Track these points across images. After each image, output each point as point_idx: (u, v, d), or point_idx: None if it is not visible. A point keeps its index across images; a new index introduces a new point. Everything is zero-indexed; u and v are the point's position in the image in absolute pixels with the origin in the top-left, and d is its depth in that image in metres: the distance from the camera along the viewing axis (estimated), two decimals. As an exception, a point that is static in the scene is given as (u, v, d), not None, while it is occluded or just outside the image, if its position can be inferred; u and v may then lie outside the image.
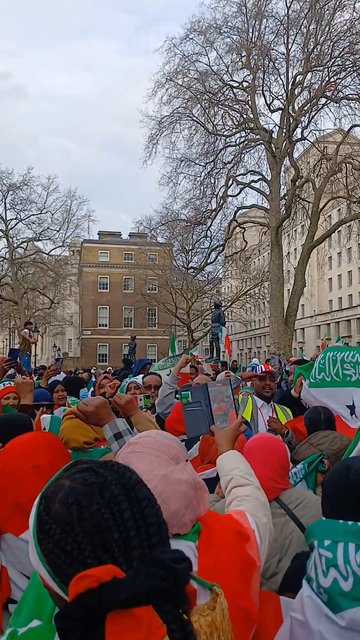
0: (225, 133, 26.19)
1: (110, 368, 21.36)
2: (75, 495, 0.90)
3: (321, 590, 1.45)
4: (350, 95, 23.37)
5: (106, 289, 64.02)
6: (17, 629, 0.91)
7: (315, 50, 22.91)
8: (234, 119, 26.11)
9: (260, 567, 1.46)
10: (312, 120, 24.39)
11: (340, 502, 1.56)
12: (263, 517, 1.60)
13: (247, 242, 29.11)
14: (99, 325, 63.49)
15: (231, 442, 2.00)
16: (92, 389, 7.49)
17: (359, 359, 4.34)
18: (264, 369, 4.88)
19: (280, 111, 24.87)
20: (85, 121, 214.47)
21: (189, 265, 31.92)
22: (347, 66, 22.66)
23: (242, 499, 1.67)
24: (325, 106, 24.31)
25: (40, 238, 41.09)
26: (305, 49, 23.19)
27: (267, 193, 24.81)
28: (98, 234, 65.13)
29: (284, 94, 24.36)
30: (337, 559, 1.42)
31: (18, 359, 5.41)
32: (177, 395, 4.71)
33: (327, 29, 22.60)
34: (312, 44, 22.98)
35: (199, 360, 9.68)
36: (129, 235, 63.20)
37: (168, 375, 7.16)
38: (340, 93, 23.52)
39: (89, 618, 0.78)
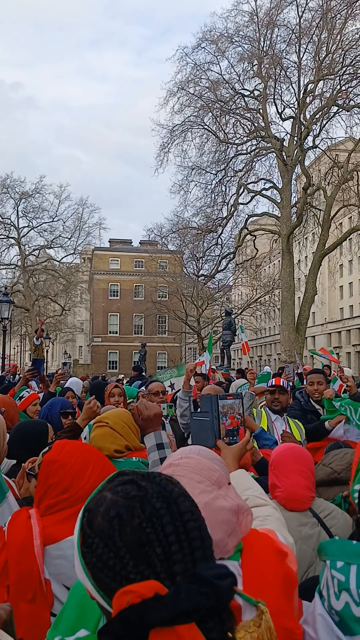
0: (237, 141, 26.26)
1: (123, 375, 21.35)
2: (117, 509, 0.88)
3: (333, 612, 1.42)
4: (362, 104, 23.37)
5: (117, 296, 64.25)
6: (65, 637, 0.91)
7: (326, 58, 22.95)
8: (245, 127, 26.18)
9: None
10: (324, 128, 24.42)
11: None
12: (289, 537, 1.60)
13: (257, 250, 29.09)
14: (110, 333, 63.68)
15: (238, 461, 1.98)
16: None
17: None
18: (274, 383, 4.88)
19: (292, 119, 24.90)
20: (96, 131, 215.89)
21: (200, 273, 31.95)
22: (358, 74, 22.66)
23: (263, 519, 1.65)
24: (337, 114, 24.29)
25: (52, 246, 41.47)
26: (317, 58, 23.24)
27: (278, 201, 24.81)
28: (109, 241, 65.42)
29: (296, 102, 24.40)
30: (349, 582, 1.38)
31: (41, 369, 5.44)
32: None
33: (338, 37, 22.63)
34: (323, 52, 23.03)
35: (213, 368, 9.58)
36: (139, 243, 63.45)
37: (170, 386, 7.15)
38: (351, 101, 23.50)
39: (131, 634, 0.77)
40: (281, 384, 4.86)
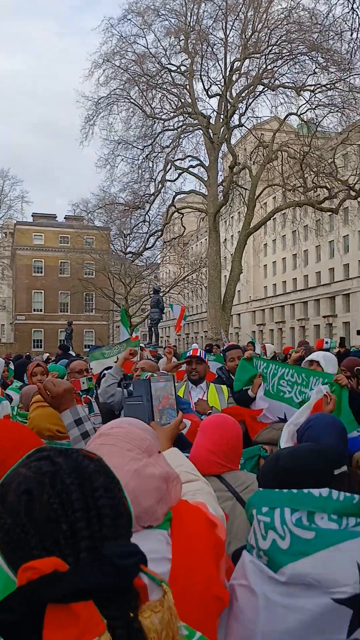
0: (163, 117, 26.01)
1: (48, 354, 20.93)
2: (27, 484, 0.86)
3: (261, 554, 1.54)
4: (287, 84, 23.73)
5: (41, 272, 62.64)
6: None
7: (252, 37, 23.05)
8: (172, 102, 25.97)
9: None
10: (250, 107, 24.63)
11: (271, 487, 1.69)
12: (219, 509, 1.67)
13: (185, 228, 29.18)
14: (34, 310, 62.13)
15: (170, 440, 2.01)
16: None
17: (297, 379, 4.53)
18: (191, 353, 4.96)
19: (218, 97, 24.95)
20: (18, 102, 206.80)
21: (127, 250, 31.66)
22: (283, 54, 22.95)
23: (194, 493, 1.69)
24: (263, 94, 24.58)
25: (-29, 219, 39.66)
26: (243, 36, 23.29)
27: (205, 179, 24.92)
28: (32, 215, 63.44)
29: (222, 80, 24.44)
30: (274, 522, 1.53)
31: None
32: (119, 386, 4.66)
33: (264, 16, 22.77)
34: (249, 30, 23.10)
35: (142, 345, 9.58)
36: (64, 218, 61.98)
37: (116, 362, 7.05)
38: (277, 81, 23.82)
39: (28, 610, 0.76)
40: (198, 354, 4.94)
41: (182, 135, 25.89)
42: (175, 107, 25.68)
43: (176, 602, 1.32)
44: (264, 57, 23.12)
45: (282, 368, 4.82)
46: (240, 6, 23.33)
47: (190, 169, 25.87)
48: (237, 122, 24.62)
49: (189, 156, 26.09)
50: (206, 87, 25.27)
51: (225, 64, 24.16)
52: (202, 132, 24.79)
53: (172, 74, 25.50)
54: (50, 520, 0.83)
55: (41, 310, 62.22)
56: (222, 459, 2.51)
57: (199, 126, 24.60)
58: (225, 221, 31.41)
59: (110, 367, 6.03)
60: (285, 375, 4.70)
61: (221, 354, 11.29)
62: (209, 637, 1.32)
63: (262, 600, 1.48)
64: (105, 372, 5.10)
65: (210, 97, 25.69)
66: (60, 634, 0.76)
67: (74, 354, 14.08)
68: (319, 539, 1.47)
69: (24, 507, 0.84)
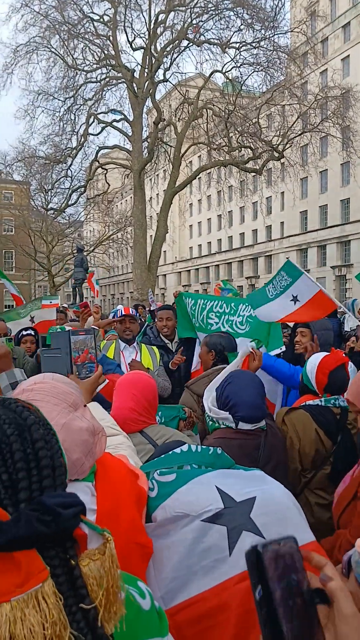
0: (86, 68, 24.93)
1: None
2: None
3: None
4: (212, 40, 23.36)
5: None
6: None
7: (178, -13, 22.40)
8: (95, 54, 24.89)
9: None
10: (174, 62, 24.08)
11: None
12: (139, 462, 1.77)
13: (109, 185, 28.55)
14: None
15: (90, 394, 2.02)
16: None
17: (225, 309, 4.61)
18: (123, 312, 4.95)
19: (143, 50, 24.19)
20: None
21: (49, 207, 30.62)
22: (209, 9, 22.49)
23: (116, 447, 1.76)
24: (188, 49, 24.06)
25: None
26: (168, -14, 22.59)
27: (130, 134, 24.34)
28: None
29: (146, 32, 23.68)
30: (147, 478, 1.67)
31: None
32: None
33: (189, -34, 22.13)
34: (175, -20, 22.42)
35: (65, 306, 9.41)
36: (-19, 172, 58.74)
37: (30, 320, 6.88)
38: (202, 36, 23.39)
39: None
40: (130, 312, 4.94)
41: (105, 88, 25.01)
42: (98, 59, 24.67)
43: None
44: (189, 10, 22.56)
45: (209, 301, 4.90)
46: None
47: (114, 123, 25.15)
48: (161, 77, 24.07)
49: (112, 110, 25.33)
50: (130, 40, 24.37)
51: (150, 16, 23.37)
52: (125, 86, 24.05)
53: (95, 23, 24.36)
54: None
55: None
56: (143, 415, 2.55)
57: (123, 79, 23.85)
58: (151, 179, 30.98)
59: (28, 328, 5.90)
60: (214, 307, 4.79)
61: (149, 316, 11.32)
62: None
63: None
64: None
65: (134, 50, 24.84)
66: (4, 581, 0.77)
67: None
68: (179, 478, 1.63)
69: None
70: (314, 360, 3.02)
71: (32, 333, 5.74)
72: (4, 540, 0.77)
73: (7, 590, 0.77)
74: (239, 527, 1.50)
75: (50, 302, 7.42)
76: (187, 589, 1.47)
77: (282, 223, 52.41)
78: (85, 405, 1.51)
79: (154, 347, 4.95)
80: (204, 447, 1.73)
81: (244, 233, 58.58)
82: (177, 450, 1.72)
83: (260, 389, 2.67)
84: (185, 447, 1.73)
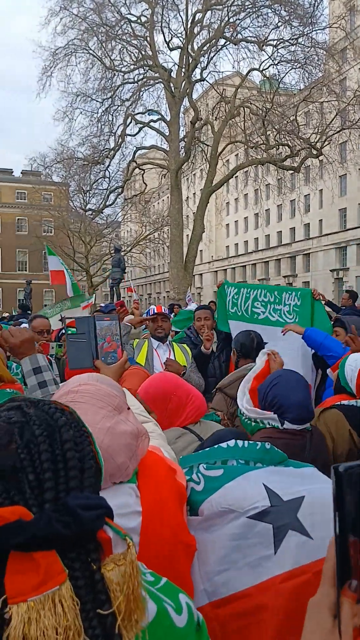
0: (123, 69, 25.12)
1: (8, 314, 20.57)
2: None
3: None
4: (249, 38, 23.21)
5: (-3, 230, 60.91)
6: None
7: (215, -14, 22.34)
8: (132, 55, 25.04)
9: None
10: (211, 61, 23.96)
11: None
12: (171, 452, 1.74)
13: (146, 185, 28.67)
14: (-11, 269, 60.66)
15: (116, 380, 1.98)
16: None
17: (270, 299, 4.58)
18: (156, 311, 4.96)
19: (180, 50, 24.21)
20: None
21: (87, 207, 30.98)
22: (246, 7, 22.34)
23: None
24: (225, 47, 23.95)
25: None
26: (206, -15, 22.55)
27: (167, 134, 24.42)
28: (-13, 171, 61.14)
29: (183, 32, 23.67)
30: (191, 474, 1.67)
31: None
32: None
33: (227, -36, 22.04)
34: (212, -21, 22.36)
35: (102, 305, 9.46)
36: (21, 173, 60.06)
37: (60, 320, 6.88)
38: (239, 35, 23.26)
39: None
40: (162, 310, 4.95)
41: (142, 89, 25.15)
42: (135, 60, 24.83)
43: (148, 551, 1.36)
44: (226, 8, 22.47)
45: (254, 290, 4.87)
46: None
47: (151, 124, 25.28)
48: (198, 77, 24.04)
49: (149, 110, 25.44)
50: (167, 40, 24.45)
51: (187, 15, 23.38)
52: (163, 86, 24.13)
53: (132, 24, 24.53)
54: (16, 470, 0.84)
55: (-1, 269, 60.83)
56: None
57: (160, 79, 23.93)
58: (187, 178, 31.00)
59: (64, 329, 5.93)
60: (258, 296, 4.76)
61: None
62: (182, 581, 1.41)
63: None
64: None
65: (171, 49, 24.90)
66: (21, 580, 0.78)
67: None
68: (227, 473, 1.63)
69: None
70: (355, 362, 2.93)
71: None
72: (22, 539, 0.78)
73: (24, 590, 0.77)
74: (285, 526, 1.49)
75: (87, 302, 7.44)
76: (231, 584, 1.48)
77: (320, 221, 51.65)
78: (128, 408, 1.51)
79: (185, 345, 4.94)
80: (251, 442, 1.71)
81: (281, 231, 57.98)
82: (224, 445, 1.71)
83: (306, 389, 2.64)
84: (231, 443, 1.71)
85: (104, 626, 0.82)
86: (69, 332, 2.21)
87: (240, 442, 1.69)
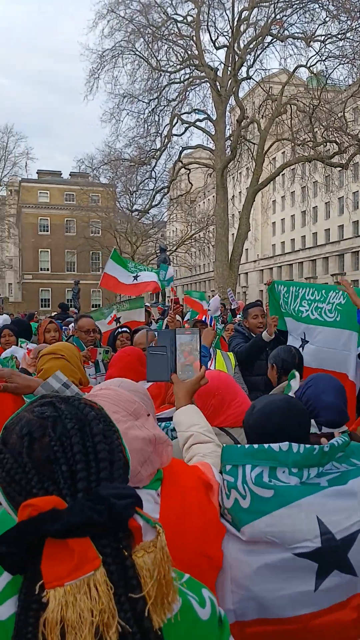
0: (169, 69, 25.27)
1: (56, 313, 21.06)
2: (29, 427, 0.92)
3: (225, 512, 1.58)
4: (296, 34, 22.92)
5: (47, 231, 62.22)
6: None
7: (261, -17, 22.15)
8: (178, 54, 25.16)
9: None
10: (258, 59, 23.78)
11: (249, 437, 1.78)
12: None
13: (192, 184, 28.73)
14: (41, 270, 61.97)
15: (189, 396, 1.97)
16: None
17: (316, 296, 4.53)
18: (197, 317, 4.93)
19: (226, 48, 24.14)
20: (16, 55, 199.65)
21: (133, 208, 31.32)
22: (293, 2, 22.07)
23: (204, 455, 1.72)
24: (271, 45, 23.74)
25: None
26: (252, -18, 22.38)
27: (213, 133, 24.39)
28: (37, 172, 62.61)
29: (229, 31, 23.59)
30: (236, 481, 1.55)
31: None
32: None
33: None
34: (258, -24, 22.18)
35: (147, 305, 9.42)
36: (69, 175, 61.15)
37: (116, 319, 6.92)
38: (286, 31, 22.98)
39: (26, 545, 0.83)
40: (203, 319, 4.92)
41: (188, 88, 25.22)
42: (181, 59, 24.94)
43: None
44: (272, 5, 22.23)
45: (302, 288, 4.80)
46: None
47: (197, 123, 25.30)
48: (244, 75, 23.89)
49: (195, 110, 25.46)
50: (213, 38, 24.45)
51: (233, 13, 23.27)
52: (209, 85, 24.12)
53: (178, 24, 24.66)
54: (50, 462, 0.89)
55: (48, 270, 62.09)
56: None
57: (206, 79, 23.93)
58: (233, 177, 30.90)
59: (123, 326, 5.90)
60: (306, 295, 4.71)
61: (230, 315, 11.26)
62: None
63: (228, 558, 1.52)
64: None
65: (217, 48, 24.88)
66: (57, 566, 0.82)
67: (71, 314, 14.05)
68: (277, 497, 1.49)
69: (26, 448, 0.90)
70: None
71: (128, 330, 5.72)
72: (59, 526, 0.82)
73: (61, 575, 0.81)
74: (332, 566, 1.45)
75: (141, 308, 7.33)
76: (264, 611, 1.48)
77: (369, 218, 50.47)
78: (149, 415, 1.51)
79: (230, 353, 4.87)
80: (307, 446, 1.54)
81: (329, 229, 56.92)
82: (275, 447, 1.55)
83: (341, 392, 2.61)
84: (285, 446, 1.54)
85: (135, 610, 0.85)
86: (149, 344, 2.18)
87: (295, 446, 1.53)
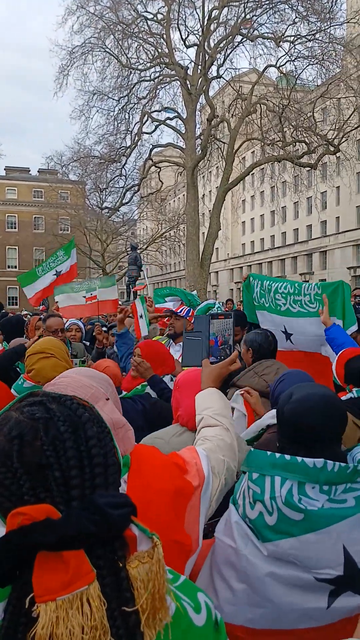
0: (140, 67, 25.15)
1: (26, 312, 20.77)
2: (20, 429, 0.86)
3: (247, 520, 1.55)
4: (266, 34, 23.07)
5: (15, 228, 61.44)
6: None
7: (231, -18, 22.23)
8: (149, 52, 25.07)
9: (203, 497, 1.48)
10: (228, 58, 23.92)
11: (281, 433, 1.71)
12: (221, 455, 1.61)
13: (162, 183, 28.69)
14: (8, 267, 61.13)
15: (213, 380, 1.93)
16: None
17: (290, 290, 4.60)
18: (175, 309, 4.95)
19: (196, 47, 24.16)
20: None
21: (103, 205, 31.09)
22: (263, 3, 22.20)
23: (205, 439, 1.68)
24: (241, 44, 23.87)
25: None
26: (222, -19, 22.45)
27: (183, 132, 24.40)
28: (5, 169, 61.64)
29: (200, 29, 23.62)
30: (264, 494, 1.50)
31: None
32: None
33: None
34: (228, -25, 22.25)
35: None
36: (38, 172, 60.46)
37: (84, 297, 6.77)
38: (255, 31, 23.13)
39: (16, 556, 0.78)
40: (179, 311, 4.95)
41: (159, 86, 25.18)
42: (151, 57, 24.85)
43: None
44: (242, 5, 22.35)
45: (274, 282, 4.87)
46: None
47: (168, 121, 25.27)
48: (215, 74, 23.99)
49: (166, 108, 25.44)
50: (183, 37, 24.45)
51: (203, 12, 23.33)
52: (179, 84, 24.11)
53: (149, 22, 24.55)
54: (43, 467, 0.83)
55: (15, 267, 61.24)
56: None
57: (176, 77, 23.92)
58: (204, 176, 30.98)
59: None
60: (279, 288, 4.76)
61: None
62: None
63: (245, 563, 1.50)
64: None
65: (187, 47, 24.89)
66: (50, 579, 0.77)
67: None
68: (307, 522, 1.44)
69: (16, 452, 0.84)
70: (333, 356, 2.99)
71: (78, 322, 6.03)
72: (54, 538, 0.77)
73: (53, 589, 0.76)
74: (346, 588, 1.45)
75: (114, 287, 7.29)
76: (277, 621, 1.48)
77: (337, 218, 51.18)
78: (107, 399, 1.50)
79: None
80: (342, 465, 1.48)
81: (297, 229, 57.59)
82: (310, 462, 1.48)
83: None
84: (319, 463, 1.47)
85: (127, 625, 0.81)
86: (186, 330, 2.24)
87: (330, 465, 1.47)
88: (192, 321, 4.49)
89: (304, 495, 1.46)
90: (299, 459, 1.49)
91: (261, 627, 1.48)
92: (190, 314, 4.69)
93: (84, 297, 6.71)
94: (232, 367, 2.00)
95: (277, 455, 1.54)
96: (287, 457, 1.51)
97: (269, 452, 1.57)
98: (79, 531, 0.78)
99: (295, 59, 22.56)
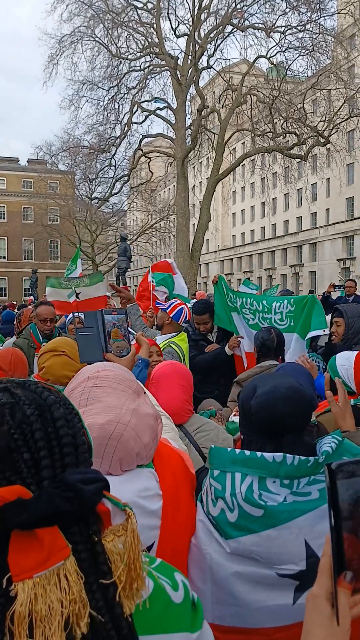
0: (130, 57, 24.96)
1: (16, 302, 20.69)
2: None
3: (210, 517, 1.56)
4: (257, 25, 22.97)
5: (3, 218, 60.95)
6: None
7: (222, -29, 22.09)
8: (139, 42, 24.87)
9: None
10: (218, 48, 23.81)
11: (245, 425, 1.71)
12: (182, 445, 1.76)
13: (152, 173, 28.56)
14: (-3, 258, 60.76)
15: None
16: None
17: (257, 307, 4.62)
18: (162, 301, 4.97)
19: (186, 37, 24.00)
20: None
21: (93, 196, 30.93)
22: (254, -8, 22.13)
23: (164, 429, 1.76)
24: (232, 34, 23.75)
25: None
26: (213, -30, 22.30)
27: (173, 122, 24.28)
28: (-7, 159, 61.03)
29: (190, 19, 23.47)
30: (225, 491, 1.51)
31: None
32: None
33: None
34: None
35: (109, 295, 9.28)
36: (27, 162, 59.95)
37: (75, 295, 6.71)
38: (246, 21, 23.04)
39: None
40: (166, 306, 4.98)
41: (149, 76, 25.00)
42: (141, 47, 24.66)
43: (168, 532, 1.42)
44: (233, -6, 22.24)
45: (239, 298, 4.89)
46: None
47: (158, 112, 25.14)
48: (205, 64, 23.86)
49: (155, 98, 25.29)
50: (174, 26, 24.30)
51: (194, 1, 23.16)
52: (169, 74, 23.97)
53: (139, 11, 24.34)
54: (11, 450, 0.84)
55: (4, 258, 60.87)
56: (191, 405, 2.59)
57: (166, 67, 23.76)
58: (194, 167, 30.90)
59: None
60: (245, 304, 4.79)
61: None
62: (186, 558, 1.50)
63: (209, 561, 1.51)
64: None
65: (178, 37, 24.72)
66: (26, 558, 0.78)
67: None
68: (267, 517, 1.45)
69: None
70: (347, 361, 2.73)
71: (80, 315, 5.67)
72: (26, 517, 0.78)
73: (29, 567, 0.77)
74: (311, 583, 1.48)
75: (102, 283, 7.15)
76: (244, 619, 1.47)
77: (327, 210, 51.32)
78: (145, 392, 1.54)
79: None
80: (302, 458, 1.47)
81: (288, 220, 57.68)
82: (269, 456, 1.48)
83: (311, 379, 2.66)
84: (279, 457, 1.47)
85: (106, 598, 0.83)
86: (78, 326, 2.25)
87: (289, 458, 1.46)
88: (171, 315, 4.55)
89: (265, 490, 1.47)
90: (259, 454, 1.50)
91: (230, 624, 1.49)
92: (170, 308, 4.65)
93: (69, 297, 6.56)
94: (136, 360, 2.15)
95: (237, 451, 1.55)
96: (247, 452, 1.52)
97: (229, 448, 1.58)
98: (51, 508, 0.79)
99: (286, 49, 22.52)
